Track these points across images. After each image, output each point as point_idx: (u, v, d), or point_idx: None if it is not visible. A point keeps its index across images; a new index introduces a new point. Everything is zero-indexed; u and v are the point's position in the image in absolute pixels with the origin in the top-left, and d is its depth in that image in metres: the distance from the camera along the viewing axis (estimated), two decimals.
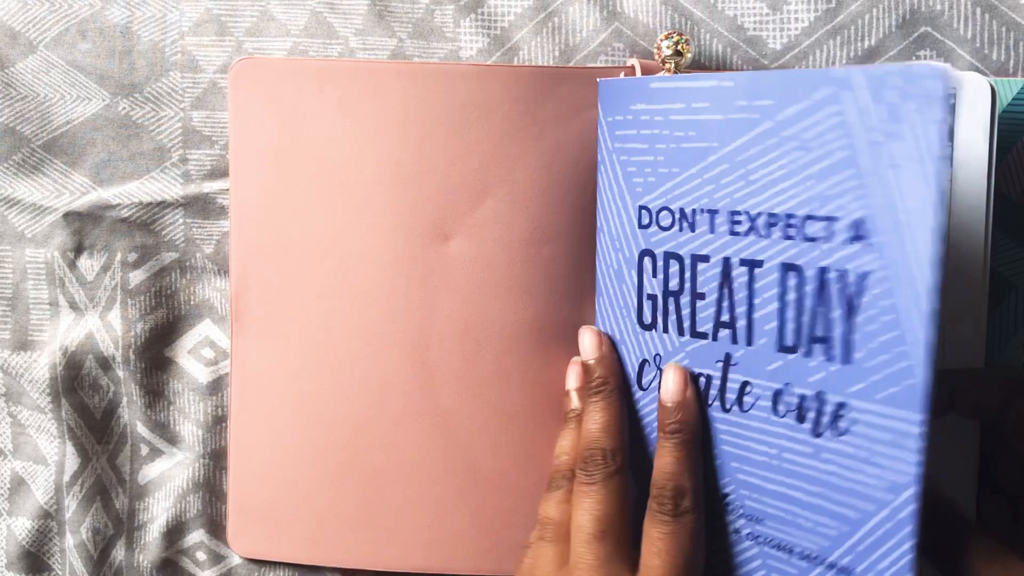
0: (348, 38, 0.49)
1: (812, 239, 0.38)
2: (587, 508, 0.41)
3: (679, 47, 0.45)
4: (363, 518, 0.49)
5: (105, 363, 0.51)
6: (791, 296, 0.39)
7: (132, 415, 0.51)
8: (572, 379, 0.46)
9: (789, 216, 0.38)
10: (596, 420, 0.43)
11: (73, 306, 0.51)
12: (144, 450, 0.52)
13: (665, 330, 0.43)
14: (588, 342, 0.46)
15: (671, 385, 0.42)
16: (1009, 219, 0.47)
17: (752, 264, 0.40)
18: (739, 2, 0.48)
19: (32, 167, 0.50)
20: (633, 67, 0.47)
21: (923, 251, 0.35)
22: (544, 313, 0.47)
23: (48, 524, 0.52)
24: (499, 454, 0.48)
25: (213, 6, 0.50)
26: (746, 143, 0.39)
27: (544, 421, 0.48)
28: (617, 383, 0.45)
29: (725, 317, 0.41)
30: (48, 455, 0.52)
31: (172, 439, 0.51)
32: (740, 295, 0.40)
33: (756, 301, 0.40)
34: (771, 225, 0.39)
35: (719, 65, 0.48)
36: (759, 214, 0.39)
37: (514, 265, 0.47)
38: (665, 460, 0.41)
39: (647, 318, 0.44)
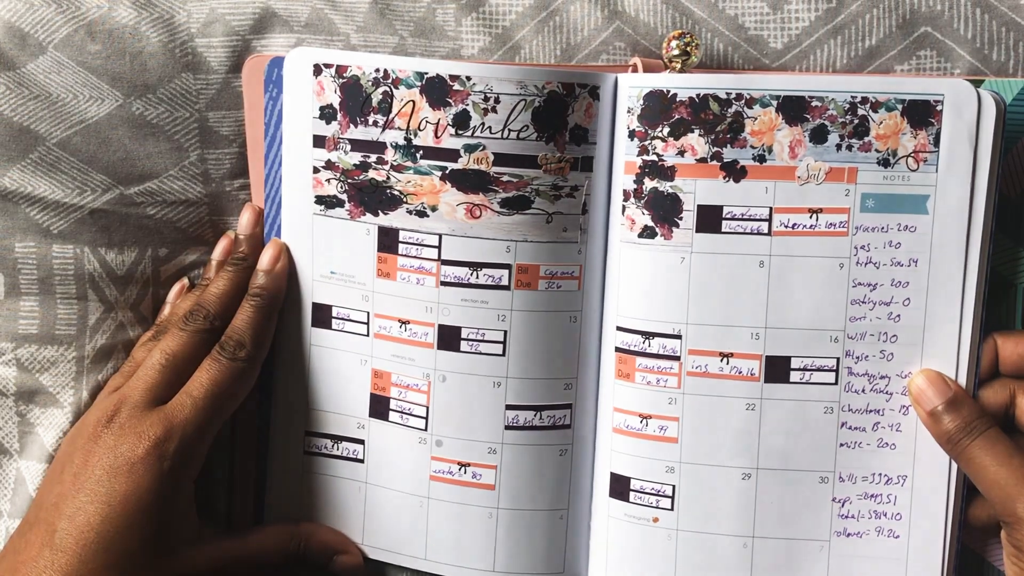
0: (349, 35, 0.50)
1: None
2: (163, 346, 0.46)
3: (688, 48, 0.46)
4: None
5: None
6: None
7: None
8: (217, 251, 0.51)
9: None
10: (218, 286, 0.48)
11: (103, 300, 0.51)
12: None
13: None
14: (245, 219, 0.50)
15: (264, 257, 0.48)
16: (1009, 219, 0.47)
17: None
18: (740, 1, 0.48)
19: (49, 165, 0.49)
20: (636, 65, 0.47)
21: None
22: None
23: None
24: None
25: (217, 6, 0.50)
26: None
27: None
28: (254, 263, 0.49)
29: None
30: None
31: None
32: None
33: None
34: None
35: (720, 64, 0.48)
36: None
37: None
38: (240, 317, 0.47)
39: None
